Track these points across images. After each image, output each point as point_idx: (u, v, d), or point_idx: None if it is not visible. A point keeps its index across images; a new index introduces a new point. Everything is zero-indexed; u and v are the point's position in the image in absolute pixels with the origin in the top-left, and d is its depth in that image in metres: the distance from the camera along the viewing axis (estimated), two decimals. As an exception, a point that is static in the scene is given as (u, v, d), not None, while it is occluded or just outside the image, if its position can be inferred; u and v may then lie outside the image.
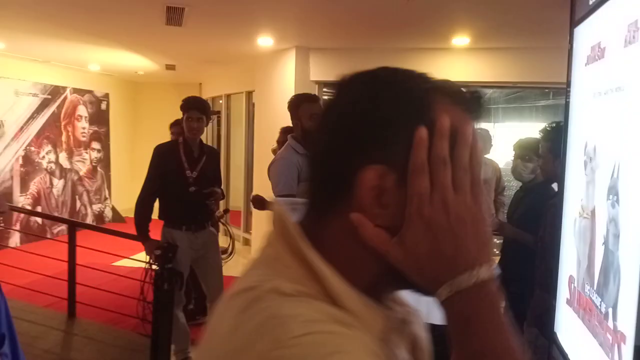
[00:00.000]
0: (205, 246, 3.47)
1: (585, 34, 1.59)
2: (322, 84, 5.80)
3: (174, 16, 4.32)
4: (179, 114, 9.22)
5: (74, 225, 4.32)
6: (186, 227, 3.37)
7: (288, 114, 5.53)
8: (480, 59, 5.24)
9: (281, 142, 4.15)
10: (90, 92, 8.68)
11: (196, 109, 3.34)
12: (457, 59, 5.30)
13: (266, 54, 5.89)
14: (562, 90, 5.95)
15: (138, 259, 5.17)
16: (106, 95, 9.09)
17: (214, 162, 3.57)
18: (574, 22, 1.70)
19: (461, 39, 4.89)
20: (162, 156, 3.39)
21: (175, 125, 4.55)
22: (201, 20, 4.62)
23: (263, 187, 5.97)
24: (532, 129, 8.34)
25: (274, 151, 4.42)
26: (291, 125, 4.65)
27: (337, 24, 4.79)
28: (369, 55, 5.53)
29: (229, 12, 4.42)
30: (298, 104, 2.99)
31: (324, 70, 5.70)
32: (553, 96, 6.22)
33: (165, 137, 10.05)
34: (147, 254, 3.44)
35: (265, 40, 5.31)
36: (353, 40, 5.32)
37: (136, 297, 4.11)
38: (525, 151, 2.94)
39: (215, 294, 3.58)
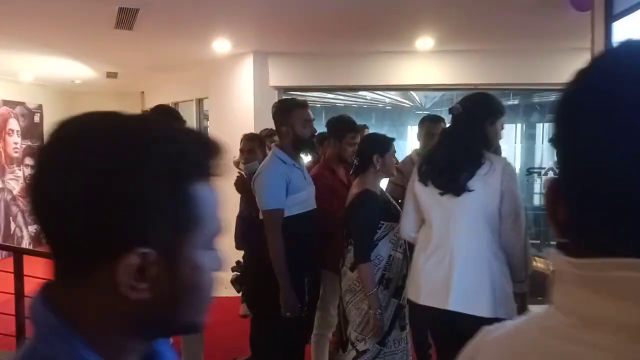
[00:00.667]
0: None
1: (633, 28, 1.48)
2: (282, 90, 5.58)
3: (126, 18, 3.97)
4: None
5: (21, 253, 3.84)
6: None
7: (248, 121, 5.31)
8: (444, 62, 5.21)
9: (246, 150, 3.87)
10: (22, 104, 7.99)
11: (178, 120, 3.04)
12: (420, 63, 5.25)
13: (221, 59, 5.60)
14: (523, 91, 6.04)
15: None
16: (39, 107, 8.41)
17: None
18: (612, 16, 1.58)
19: (425, 42, 4.83)
20: None
21: None
22: (154, 23, 4.29)
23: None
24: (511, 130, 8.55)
25: (237, 163, 4.14)
26: (252, 132, 4.42)
27: (296, 27, 4.60)
28: (330, 59, 5.38)
29: (185, 14, 4.13)
30: (289, 109, 2.74)
31: (284, 76, 5.49)
32: (513, 96, 6.32)
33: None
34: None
35: (221, 44, 5.03)
36: (313, 45, 5.15)
37: None
38: None
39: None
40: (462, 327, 2.11)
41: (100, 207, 0.54)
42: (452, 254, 2.16)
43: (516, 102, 8.59)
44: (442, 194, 2.19)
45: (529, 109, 8.62)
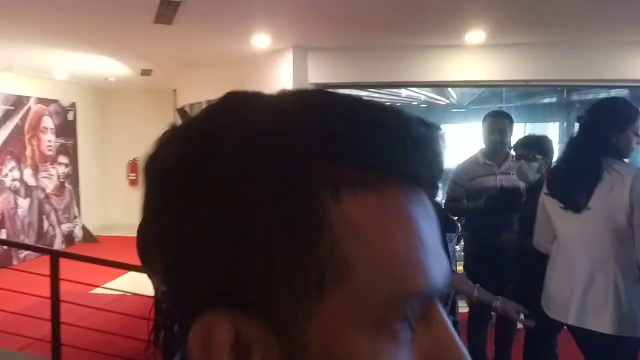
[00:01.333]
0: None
1: None
2: (321, 87, 5.36)
3: (166, 12, 3.81)
4: (151, 123, 8.65)
5: (57, 256, 3.72)
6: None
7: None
8: (493, 57, 4.92)
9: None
10: (55, 101, 7.96)
11: None
12: (468, 57, 4.96)
13: (259, 55, 5.42)
14: (577, 88, 5.65)
15: (113, 288, 4.57)
16: (73, 105, 8.39)
17: None
18: None
19: (476, 35, 4.54)
20: None
21: None
22: (195, 18, 4.12)
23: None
24: (539, 127, 8.26)
25: None
26: None
27: (337, 19, 4.36)
28: (372, 54, 5.14)
29: (226, 8, 3.95)
30: None
31: (324, 72, 5.27)
32: (551, 94, 5.98)
33: (138, 148, 9.27)
34: (155, 289, 2.91)
35: (261, 40, 4.84)
36: (355, 38, 4.92)
37: (128, 334, 3.61)
38: (527, 150, 2.81)
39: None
40: (583, 343, 2.13)
41: (165, 233, 0.35)
42: (577, 268, 2.12)
43: (553, 100, 8.25)
44: (564, 209, 2.16)
45: (569, 107, 8.26)
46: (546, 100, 8.31)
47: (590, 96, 7.84)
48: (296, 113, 0.33)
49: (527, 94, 7.77)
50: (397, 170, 0.32)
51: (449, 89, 8.07)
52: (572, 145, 2.28)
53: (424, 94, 8.65)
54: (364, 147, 0.32)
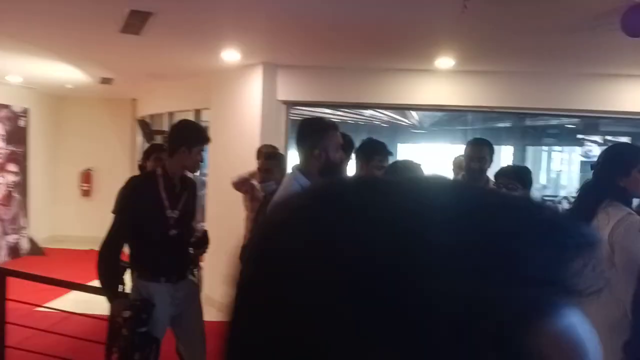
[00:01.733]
0: (186, 300, 2.85)
1: None
2: (290, 104, 5.32)
3: (135, 22, 3.68)
4: (107, 132, 8.20)
5: (4, 274, 3.48)
6: (166, 278, 2.74)
7: (253, 135, 5.02)
8: (460, 83, 5.02)
9: (263, 170, 3.67)
10: (7, 106, 7.56)
11: (208, 142, 2.87)
12: (440, 82, 5.04)
13: (228, 70, 5.32)
14: (537, 115, 5.86)
15: (61, 309, 4.26)
16: (25, 111, 7.99)
17: (193, 197, 2.97)
18: None
19: (445, 61, 4.62)
20: (138, 190, 2.74)
21: (159, 151, 3.61)
22: (164, 29, 4.00)
23: (219, 217, 5.35)
24: (505, 152, 8.44)
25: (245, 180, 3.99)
26: (272, 146, 4.22)
27: (308, 40, 4.35)
28: (342, 75, 5.14)
29: (197, 21, 3.85)
30: (324, 130, 2.46)
31: (293, 90, 5.23)
32: (506, 119, 6.19)
33: (92, 157, 9.05)
34: (114, 315, 2.75)
35: (230, 54, 4.76)
36: (326, 59, 4.91)
37: (77, 357, 3.43)
38: (508, 180, 2.86)
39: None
40: None
41: None
42: None
43: (508, 124, 8.53)
44: None
45: (522, 131, 8.56)
46: (501, 125, 8.57)
47: (541, 122, 8.18)
48: (460, 220, 0.28)
49: (485, 118, 7.99)
50: (575, 288, 0.28)
51: (412, 111, 8.19)
52: (583, 189, 2.40)
53: (386, 114, 8.74)
54: (552, 263, 0.27)
